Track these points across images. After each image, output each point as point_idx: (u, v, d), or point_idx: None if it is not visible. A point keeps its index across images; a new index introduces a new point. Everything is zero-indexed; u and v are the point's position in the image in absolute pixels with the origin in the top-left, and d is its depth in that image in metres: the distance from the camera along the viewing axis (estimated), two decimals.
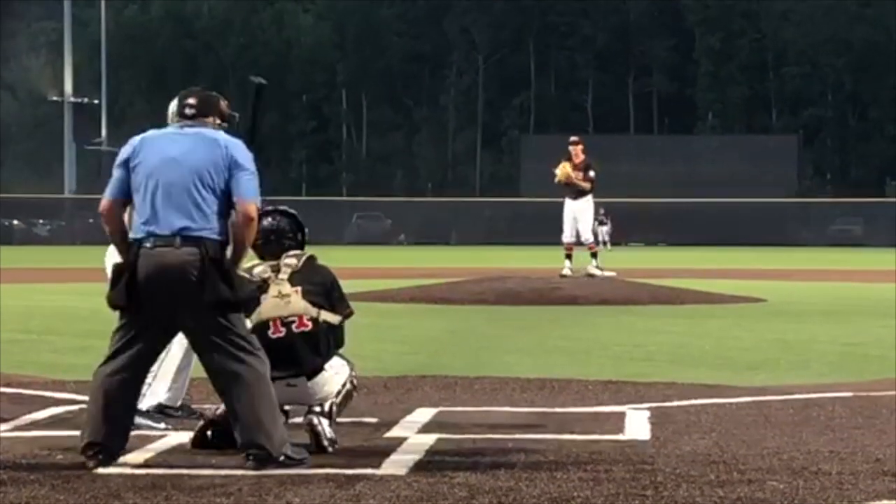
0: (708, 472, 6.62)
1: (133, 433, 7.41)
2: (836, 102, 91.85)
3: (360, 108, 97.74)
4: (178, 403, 8.47)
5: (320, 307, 7.44)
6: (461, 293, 21.47)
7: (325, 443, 7.16)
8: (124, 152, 7.07)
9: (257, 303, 7.37)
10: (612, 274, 23.87)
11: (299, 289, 7.42)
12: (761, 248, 57.92)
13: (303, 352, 7.35)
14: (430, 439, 7.63)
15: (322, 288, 7.48)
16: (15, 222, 70.94)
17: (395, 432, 7.89)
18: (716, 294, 22.23)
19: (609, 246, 55.76)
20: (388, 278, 26.35)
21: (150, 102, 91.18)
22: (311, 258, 7.62)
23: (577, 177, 23.11)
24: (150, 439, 7.50)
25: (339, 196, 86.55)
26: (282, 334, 7.35)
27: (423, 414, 8.64)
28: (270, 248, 7.61)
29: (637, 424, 8.21)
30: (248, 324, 7.25)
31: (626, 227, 61.39)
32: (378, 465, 6.75)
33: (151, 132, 7.15)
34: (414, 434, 7.84)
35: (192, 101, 7.16)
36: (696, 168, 76.88)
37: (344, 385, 7.51)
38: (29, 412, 8.66)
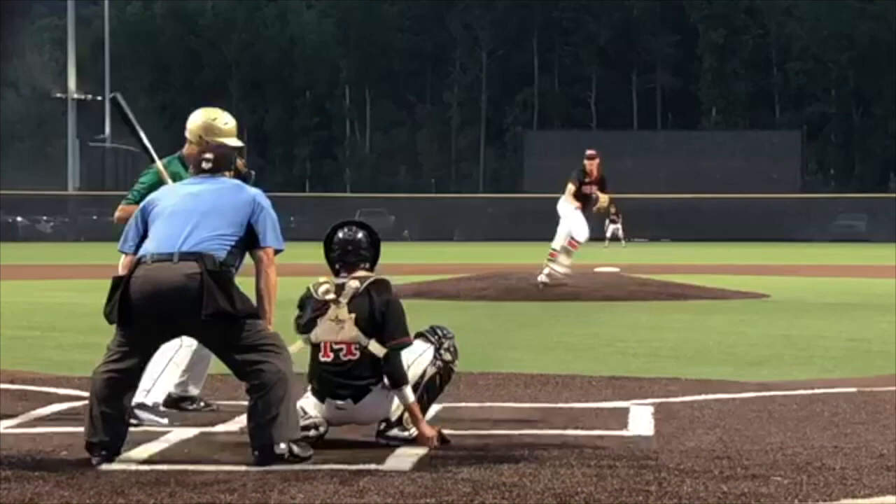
0: (712, 467, 6.62)
1: (137, 429, 7.43)
2: (840, 98, 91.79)
3: (363, 104, 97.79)
4: (195, 394, 8.51)
5: (372, 336, 7.26)
6: (464, 289, 21.49)
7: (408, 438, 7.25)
8: (143, 202, 7.23)
9: (314, 323, 7.31)
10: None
11: (354, 315, 7.27)
12: (765, 244, 57.94)
13: (349, 378, 7.24)
14: None
15: (371, 316, 7.27)
16: (19, 219, 71.05)
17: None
18: (719, 290, 22.24)
19: (613, 243, 55.73)
20: (391, 274, 26.26)
21: (154, 99, 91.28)
22: (377, 282, 7.42)
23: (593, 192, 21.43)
24: (155, 435, 7.50)
25: (342, 192, 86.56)
26: (329, 359, 7.26)
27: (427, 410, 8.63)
28: (347, 259, 7.49)
29: (641, 420, 8.22)
30: (302, 343, 7.30)
31: (630, 224, 61.37)
32: (382, 461, 6.75)
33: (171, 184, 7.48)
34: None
35: (209, 155, 7.29)
36: (699, 164, 76.86)
37: (423, 375, 7.44)
38: (33, 409, 8.67)
